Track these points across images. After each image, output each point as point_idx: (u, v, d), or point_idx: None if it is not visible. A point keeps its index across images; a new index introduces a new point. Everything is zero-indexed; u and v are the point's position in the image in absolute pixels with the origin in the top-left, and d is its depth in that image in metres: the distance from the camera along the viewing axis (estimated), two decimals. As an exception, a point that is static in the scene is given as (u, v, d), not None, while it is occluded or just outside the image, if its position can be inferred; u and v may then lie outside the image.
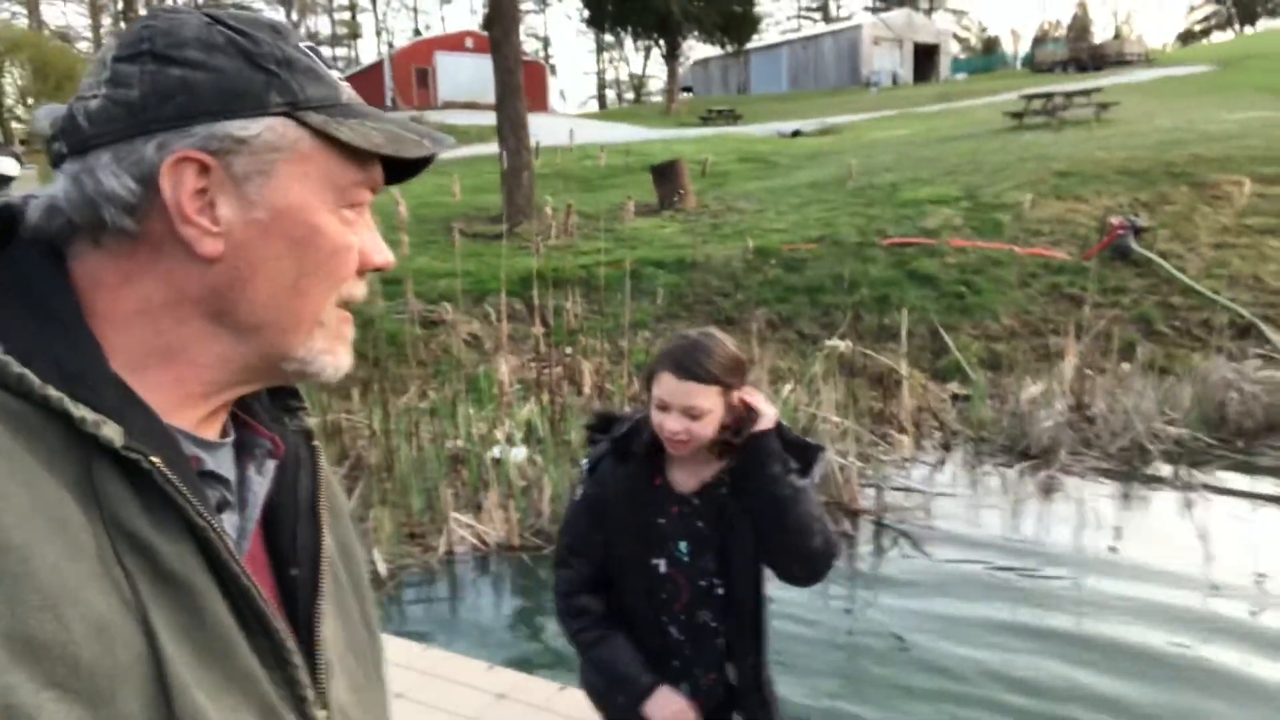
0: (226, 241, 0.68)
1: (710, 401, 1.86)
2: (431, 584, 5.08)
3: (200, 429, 0.73)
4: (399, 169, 0.78)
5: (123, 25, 34.42)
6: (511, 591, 5.08)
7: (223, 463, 0.75)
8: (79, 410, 0.60)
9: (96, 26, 39.97)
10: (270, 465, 0.79)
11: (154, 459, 0.62)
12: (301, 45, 0.73)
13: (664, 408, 1.88)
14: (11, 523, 0.54)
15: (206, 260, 0.68)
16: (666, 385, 1.87)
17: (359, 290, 0.76)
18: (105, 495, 0.60)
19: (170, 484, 0.63)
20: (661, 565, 1.97)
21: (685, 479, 1.98)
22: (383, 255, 0.76)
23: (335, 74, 0.75)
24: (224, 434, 0.77)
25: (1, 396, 0.59)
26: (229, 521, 0.73)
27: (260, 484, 0.77)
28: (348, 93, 0.75)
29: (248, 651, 0.66)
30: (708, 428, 1.87)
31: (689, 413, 1.85)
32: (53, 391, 0.60)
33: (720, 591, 1.97)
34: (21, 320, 0.64)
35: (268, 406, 0.84)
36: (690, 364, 1.86)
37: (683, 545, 1.96)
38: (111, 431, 0.61)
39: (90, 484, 0.60)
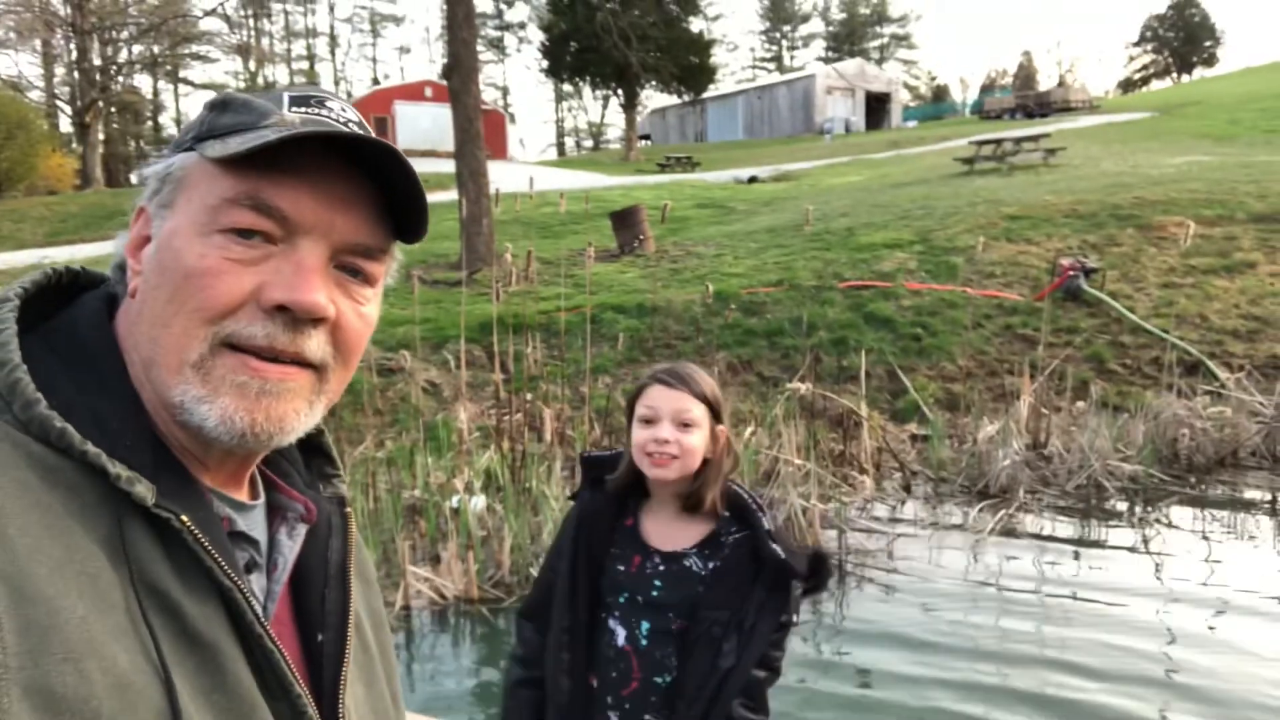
0: (142, 280, 0.70)
1: (700, 414, 1.80)
2: (388, 639, 4.95)
3: (229, 489, 0.74)
4: (409, 223, 0.75)
5: (75, 75, 34.24)
6: (471, 646, 4.96)
7: (253, 524, 0.75)
8: (114, 467, 0.62)
9: (49, 76, 39.63)
10: (301, 529, 0.79)
11: (184, 518, 0.63)
12: (284, 89, 0.74)
13: (652, 420, 1.80)
14: (43, 575, 0.54)
15: (132, 299, 0.70)
16: (654, 395, 1.81)
17: (249, 329, 0.66)
18: (135, 552, 0.61)
19: (199, 544, 0.64)
20: (619, 635, 1.83)
21: (657, 532, 1.87)
22: (287, 291, 0.67)
23: (296, 110, 0.71)
24: (254, 495, 0.78)
25: (42, 450, 0.61)
26: (256, 583, 0.74)
27: (290, 547, 0.78)
28: (279, 116, 0.70)
29: (268, 716, 0.66)
30: (697, 444, 1.79)
31: (679, 419, 1.78)
32: (91, 448, 0.62)
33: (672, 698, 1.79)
34: (70, 375, 0.67)
35: (303, 471, 0.85)
36: (680, 376, 1.83)
37: (644, 624, 1.82)
38: (144, 490, 0.62)
39: (121, 540, 0.61)
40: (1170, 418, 7.11)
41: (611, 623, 1.85)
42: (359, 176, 0.71)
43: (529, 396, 7.90)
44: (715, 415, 1.83)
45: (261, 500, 0.77)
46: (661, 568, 1.83)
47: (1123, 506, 6.37)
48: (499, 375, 8.08)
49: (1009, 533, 6.02)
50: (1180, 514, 6.20)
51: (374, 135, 0.71)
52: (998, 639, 4.59)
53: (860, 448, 7.18)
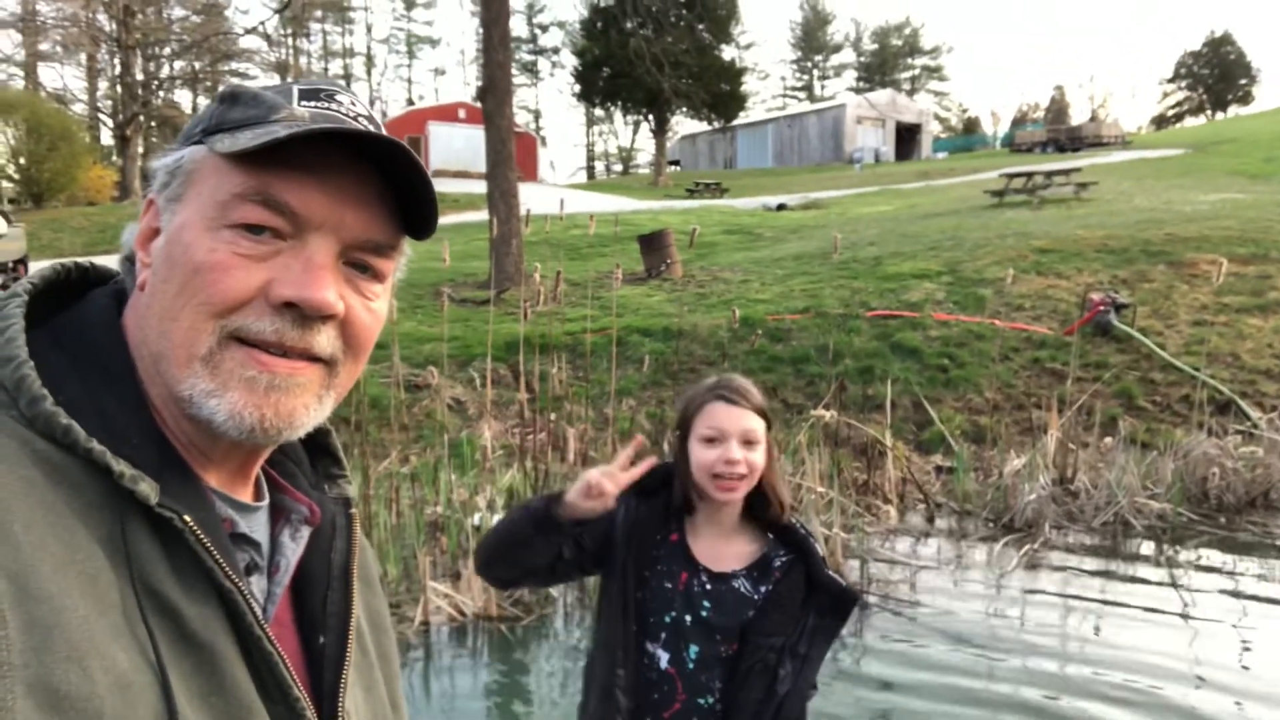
0: (151, 273, 0.69)
1: (761, 429, 1.77)
2: (405, 655, 4.96)
3: (233, 490, 0.73)
4: (416, 217, 0.74)
5: (118, 89, 34.97)
6: (489, 664, 4.96)
7: (255, 526, 0.75)
8: (118, 465, 0.61)
9: (93, 90, 40.52)
10: (305, 532, 0.78)
11: (186, 518, 0.63)
12: (294, 82, 0.73)
13: (717, 439, 1.75)
14: (47, 573, 0.55)
15: (140, 292, 0.70)
16: (718, 414, 1.76)
17: (258, 324, 0.67)
18: (136, 552, 0.61)
19: (201, 544, 0.63)
20: (663, 659, 1.78)
21: (707, 548, 1.82)
22: (296, 289, 0.67)
23: (306, 104, 0.70)
24: (258, 496, 0.77)
25: (48, 448, 0.60)
26: (256, 585, 0.73)
27: (293, 550, 0.77)
28: (289, 110, 0.69)
29: (266, 719, 0.65)
30: (762, 460, 1.76)
31: (746, 438, 1.74)
32: (95, 445, 0.61)
33: None
34: (76, 372, 0.66)
35: (309, 473, 0.84)
36: (739, 391, 1.79)
37: (693, 648, 1.78)
38: (147, 489, 0.62)
39: (123, 540, 0.60)
40: (1200, 456, 7.01)
41: (650, 645, 1.79)
42: (369, 172, 0.70)
43: (553, 416, 7.93)
44: (769, 426, 1.82)
45: (265, 502, 0.77)
46: (709, 587, 1.79)
47: (1149, 545, 6.28)
48: (524, 394, 8.12)
49: (1033, 567, 5.95)
50: (1209, 555, 6.10)
51: (383, 131, 0.71)
52: (1018, 677, 4.53)
53: (884, 478, 7.13)
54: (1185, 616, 5.19)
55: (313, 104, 0.70)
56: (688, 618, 1.78)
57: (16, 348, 0.63)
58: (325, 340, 0.69)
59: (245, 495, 0.75)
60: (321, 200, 0.68)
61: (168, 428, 0.69)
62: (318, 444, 0.86)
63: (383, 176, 0.71)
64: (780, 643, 1.74)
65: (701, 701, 1.77)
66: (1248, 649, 4.71)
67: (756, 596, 1.79)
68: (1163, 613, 5.22)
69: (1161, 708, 4.15)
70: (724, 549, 1.82)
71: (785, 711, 1.72)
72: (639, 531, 1.83)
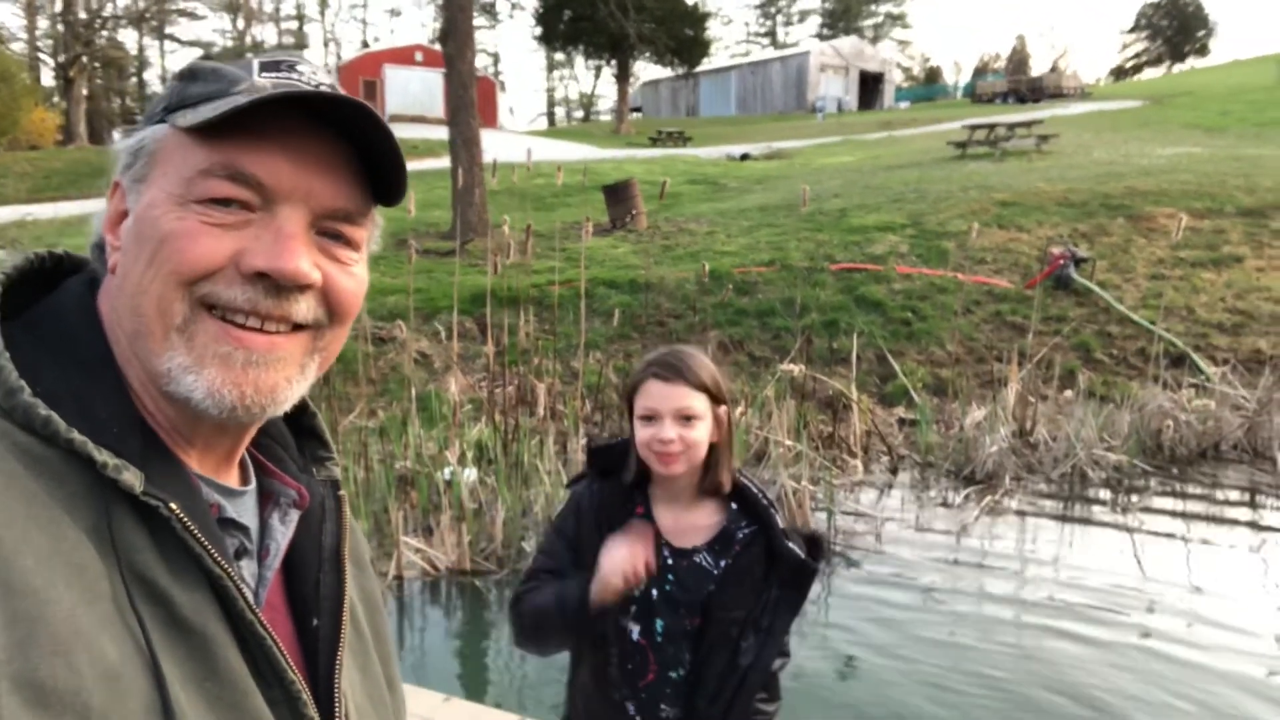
0: (121, 254, 0.69)
1: (701, 405, 1.75)
2: (380, 609, 4.98)
3: (219, 475, 0.73)
4: (385, 184, 0.73)
5: (60, 28, 33.61)
6: (463, 617, 5.01)
7: (243, 510, 0.74)
8: (101, 455, 0.61)
9: (33, 28, 38.90)
10: (294, 515, 0.78)
11: (172, 505, 0.62)
12: (254, 56, 0.72)
13: (653, 417, 1.75)
14: (30, 566, 0.54)
15: (112, 275, 0.69)
16: (653, 391, 1.75)
17: (229, 292, 0.66)
18: (123, 541, 0.60)
19: (188, 531, 0.63)
20: (634, 631, 1.80)
21: (670, 521, 1.83)
22: (268, 259, 0.66)
23: (267, 75, 0.69)
24: (245, 481, 0.77)
25: (28, 440, 0.60)
26: (247, 569, 0.73)
27: (282, 533, 0.77)
28: (249, 83, 0.68)
29: (261, 703, 0.65)
30: (702, 436, 1.75)
31: (681, 416, 1.74)
32: (77, 435, 0.60)
33: (687, 692, 1.79)
34: (54, 361, 0.65)
35: (296, 456, 0.83)
36: (676, 368, 1.77)
37: (659, 622, 1.79)
38: (131, 477, 0.61)
39: (109, 529, 0.60)
40: (1155, 409, 7.21)
41: (621, 619, 1.80)
42: (335, 139, 0.69)
43: (520, 370, 7.91)
44: (716, 399, 1.79)
45: (252, 486, 0.77)
46: (670, 562, 1.80)
47: (1106, 495, 6.47)
48: (491, 348, 8.08)
49: (994, 516, 6.11)
50: (1161, 503, 6.31)
51: (347, 95, 0.69)
52: (981, 622, 4.68)
53: (850, 430, 7.24)
54: (1138, 556, 5.38)
55: (273, 74, 0.69)
56: (654, 592, 1.79)
57: None
58: (305, 308, 0.68)
59: (231, 480, 0.74)
60: (288, 170, 0.67)
61: (149, 413, 0.68)
62: (303, 426, 0.85)
63: (349, 144, 0.70)
64: (742, 615, 1.75)
65: (673, 674, 1.79)
66: (1198, 591, 4.90)
67: (717, 570, 1.79)
68: (1119, 557, 5.41)
69: (1114, 645, 4.32)
70: (685, 520, 1.82)
71: (749, 682, 1.73)
72: (605, 513, 1.83)
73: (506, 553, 5.39)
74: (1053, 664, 4.23)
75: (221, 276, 0.65)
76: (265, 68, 0.70)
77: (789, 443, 6.42)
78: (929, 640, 4.51)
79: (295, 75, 0.70)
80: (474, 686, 4.32)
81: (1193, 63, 63.75)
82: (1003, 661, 4.27)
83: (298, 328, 0.69)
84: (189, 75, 0.70)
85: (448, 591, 5.16)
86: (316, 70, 0.72)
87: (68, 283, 0.72)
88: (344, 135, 0.70)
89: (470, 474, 6.00)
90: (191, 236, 0.65)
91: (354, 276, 0.72)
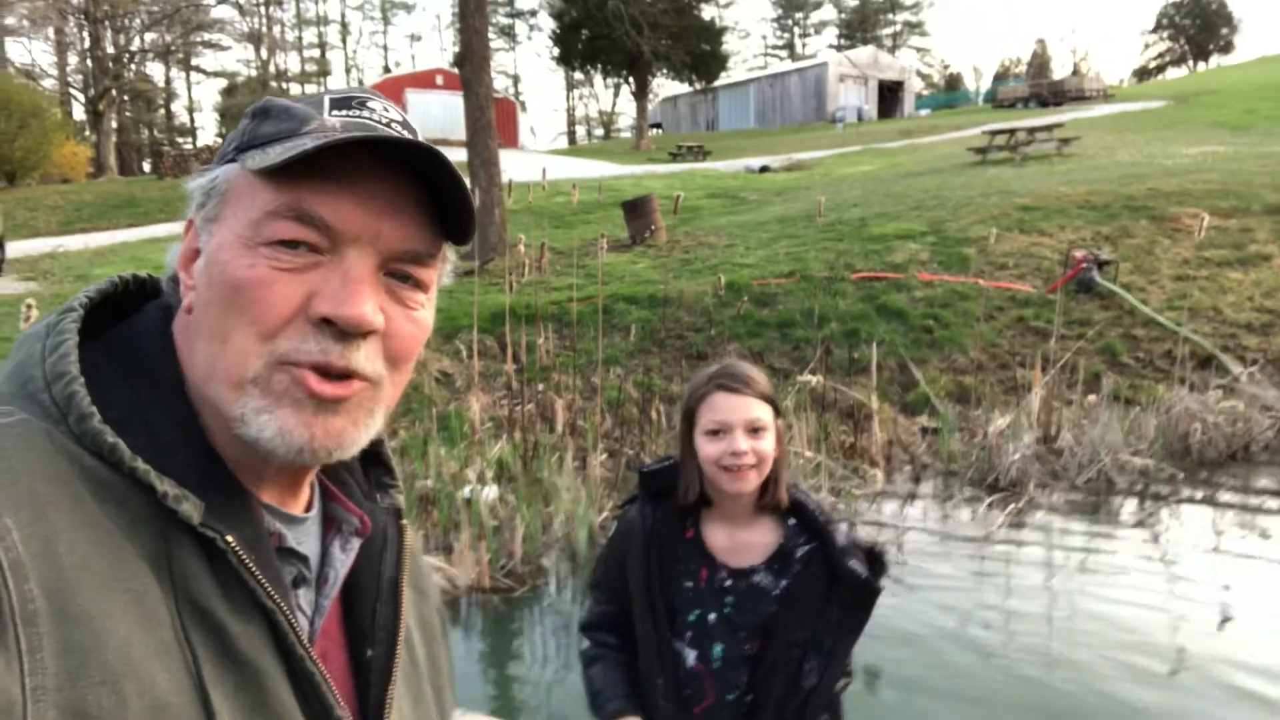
0: (195, 294, 0.69)
1: (768, 416, 1.70)
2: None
3: (284, 502, 0.73)
4: (455, 222, 0.72)
5: (89, 63, 34.34)
6: (483, 636, 5.01)
7: (304, 538, 0.75)
8: (162, 484, 0.61)
9: (63, 65, 39.78)
10: (355, 543, 0.78)
11: (229, 538, 0.63)
12: (326, 92, 0.73)
13: (722, 431, 1.69)
14: (88, 593, 0.55)
15: (188, 314, 0.70)
16: (720, 404, 1.70)
17: (303, 346, 0.65)
18: (180, 570, 0.61)
19: (243, 564, 0.63)
20: (690, 656, 1.75)
21: (724, 540, 1.77)
22: (334, 305, 0.65)
23: (337, 114, 0.69)
24: (310, 506, 0.77)
25: (95, 464, 0.61)
26: (304, 598, 0.73)
27: (343, 561, 0.77)
28: (319, 121, 0.68)
29: None
30: (770, 448, 1.70)
31: (751, 427, 1.68)
32: (140, 464, 0.61)
33: (746, 714, 1.73)
34: (128, 385, 0.67)
35: (361, 481, 0.84)
36: (741, 378, 1.72)
37: (718, 647, 1.74)
38: (190, 508, 0.62)
39: (167, 558, 0.61)
40: (1182, 412, 7.09)
41: (676, 643, 1.75)
42: (404, 179, 0.69)
43: (541, 387, 7.93)
44: (777, 410, 1.75)
45: (315, 512, 0.77)
46: (729, 583, 1.75)
47: (1132, 501, 6.37)
48: (511, 366, 8.11)
49: (1019, 525, 6.03)
50: (1190, 509, 6.19)
51: (418, 136, 0.69)
52: (1004, 635, 4.61)
53: (871, 440, 7.19)
54: (1167, 564, 5.28)
55: (344, 113, 0.70)
56: (711, 615, 1.74)
57: (69, 364, 0.64)
58: (363, 357, 0.67)
59: (296, 507, 0.75)
60: (356, 212, 0.66)
61: (217, 443, 0.68)
62: (370, 452, 0.84)
63: (419, 183, 0.70)
64: (804, 637, 1.71)
65: (730, 697, 1.74)
66: (1230, 594, 4.80)
67: (777, 591, 1.74)
68: (1147, 565, 5.31)
69: (1142, 660, 4.24)
70: (741, 541, 1.77)
71: (813, 705, 1.69)
72: (658, 540, 1.78)
73: (526, 569, 5.40)
74: (1081, 675, 4.15)
75: (295, 328, 0.65)
76: (336, 105, 0.70)
77: (809, 454, 6.38)
78: (953, 649, 4.45)
79: (366, 113, 0.70)
80: (495, 705, 4.32)
81: (1217, 61, 63.05)
82: (1029, 671, 4.20)
83: (361, 378, 0.69)
84: (261, 113, 0.71)
85: (468, 609, 5.17)
86: (389, 108, 0.72)
87: (148, 307, 0.73)
88: (413, 175, 0.69)
89: (491, 492, 6.02)
90: (265, 285, 0.65)
91: (415, 322, 0.72)
